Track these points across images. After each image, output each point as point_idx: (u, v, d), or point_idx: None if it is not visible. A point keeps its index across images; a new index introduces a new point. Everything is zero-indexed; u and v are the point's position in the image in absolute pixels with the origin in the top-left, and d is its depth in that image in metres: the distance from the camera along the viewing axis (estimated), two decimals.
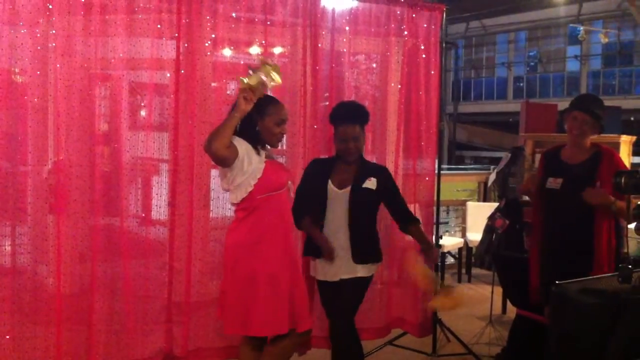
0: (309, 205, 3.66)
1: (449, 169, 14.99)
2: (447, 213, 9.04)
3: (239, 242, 3.26)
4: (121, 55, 3.78)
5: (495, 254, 4.53)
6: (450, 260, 7.70)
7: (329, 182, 3.64)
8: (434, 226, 4.77)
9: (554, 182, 3.78)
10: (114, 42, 3.75)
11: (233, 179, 3.20)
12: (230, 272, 3.28)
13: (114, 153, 3.91)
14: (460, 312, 5.70)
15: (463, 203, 7.93)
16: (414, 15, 4.50)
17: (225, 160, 3.14)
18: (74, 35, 3.63)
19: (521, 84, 17.53)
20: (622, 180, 2.57)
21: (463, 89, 18.47)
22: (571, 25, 14.59)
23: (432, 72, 4.59)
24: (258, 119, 3.25)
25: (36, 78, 3.59)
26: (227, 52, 4.11)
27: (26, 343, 3.61)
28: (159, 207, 4.00)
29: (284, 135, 3.48)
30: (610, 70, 16.44)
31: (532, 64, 17.56)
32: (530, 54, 17.42)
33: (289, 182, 3.38)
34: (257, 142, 3.27)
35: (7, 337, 3.57)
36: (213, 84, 3.94)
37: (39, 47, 3.57)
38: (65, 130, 3.64)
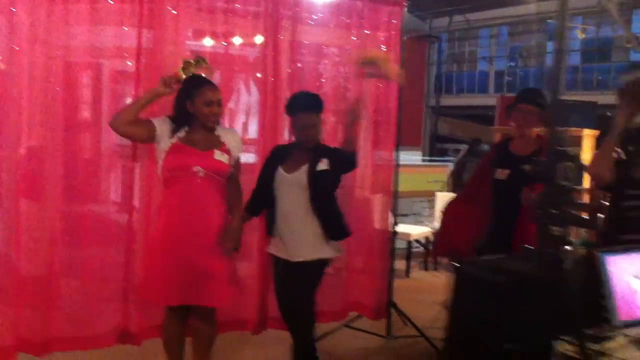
0: (259, 190, 3.84)
1: (430, 161, 15.19)
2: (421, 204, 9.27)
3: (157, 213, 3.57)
4: (97, 43, 3.91)
5: None
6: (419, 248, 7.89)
7: (279, 167, 3.78)
8: (392, 215, 4.95)
9: (501, 173, 3.91)
10: (91, 30, 3.87)
11: (157, 156, 3.52)
12: None
13: (83, 140, 4.05)
14: (420, 298, 5.91)
15: (434, 194, 8.13)
16: (374, 10, 4.64)
17: (130, 137, 3.59)
18: (48, 23, 3.74)
19: (502, 78, 17.66)
20: (528, 169, 2.72)
21: (445, 83, 18.58)
22: (550, 21, 14.71)
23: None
24: (188, 101, 3.47)
25: (7, 65, 3.68)
26: (189, 41, 4.22)
27: None
28: (120, 192, 4.12)
29: (218, 117, 3.58)
30: (588, 65, 16.56)
31: (513, 58, 17.68)
32: (512, 48, 17.53)
33: (196, 168, 3.46)
34: (185, 124, 3.49)
35: None
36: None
37: (9, 33, 3.65)
38: (37, 117, 3.76)
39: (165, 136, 3.50)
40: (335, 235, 3.81)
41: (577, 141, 6.87)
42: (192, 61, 3.59)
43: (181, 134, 3.51)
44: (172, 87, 3.48)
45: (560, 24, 1.96)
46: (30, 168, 3.83)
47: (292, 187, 3.73)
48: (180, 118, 3.53)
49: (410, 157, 16.02)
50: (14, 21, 3.66)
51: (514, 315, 2.15)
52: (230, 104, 4.40)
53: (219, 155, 3.53)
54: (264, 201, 3.82)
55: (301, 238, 3.73)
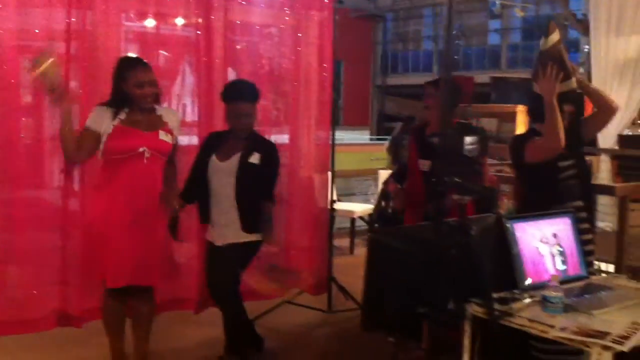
0: (193, 177, 3.88)
1: (378, 140, 15.35)
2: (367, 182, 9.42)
3: (93, 196, 3.56)
4: (26, 26, 3.87)
5: (381, 215, 4.80)
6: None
7: (213, 155, 3.83)
8: (332, 193, 5.07)
9: (423, 164, 3.90)
10: (29, 13, 3.85)
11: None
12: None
13: (21, 124, 4.02)
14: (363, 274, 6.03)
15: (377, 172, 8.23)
16: None
17: (92, 154, 3.51)
18: None
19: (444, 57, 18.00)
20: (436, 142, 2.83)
21: (391, 62, 18.79)
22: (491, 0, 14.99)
23: (326, 46, 4.81)
24: (123, 84, 3.47)
25: None
26: (121, 22, 4.22)
27: None
28: (58, 176, 4.11)
29: (151, 97, 3.55)
30: (529, 43, 16.95)
31: (456, 37, 18.00)
32: (456, 27, 17.84)
33: (142, 149, 3.47)
34: (123, 106, 3.49)
35: None
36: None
37: None
38: None
39: (104, 121, 3.47)
40: (248, 229, 3.81)
41: (512, 117, 7.08)
42: (38, 60, 3.39)
43: (122, 115, 3.49)
44: (54, 89, 3.37)
45: (449, 11, 2.07)
46: None
47: (224, 175, 3.77)
48: (118, 100, 3.50)
49: (359, 137, 16.22)
50: None
51: (425, 281, 2.28)
52: (166, 86, 4.41)
53: (163, 136, 3.54)
54: (198, 188, 3.87)
55: (229, 224, 3.79)
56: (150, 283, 3.63)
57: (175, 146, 3.69)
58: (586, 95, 3.50)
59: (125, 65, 3.53)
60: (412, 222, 3.72)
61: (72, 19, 3.92)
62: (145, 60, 3.64)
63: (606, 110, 3.56)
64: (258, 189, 3.81)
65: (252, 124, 3.87)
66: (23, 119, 4.04)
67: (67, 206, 4.01)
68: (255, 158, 3.77)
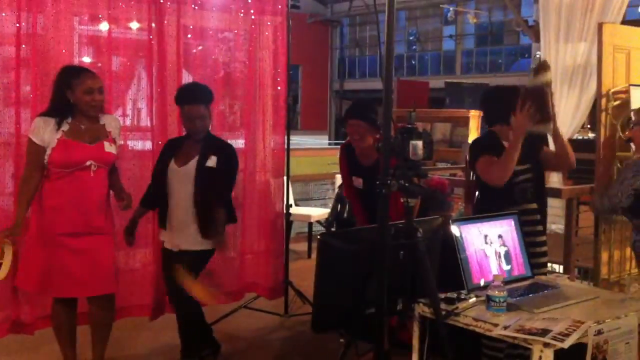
0: (153, 184, 3.92)
1: (336, 144, 15.45)
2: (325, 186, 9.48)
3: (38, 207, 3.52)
4: None
5: (337, 219, 4.87)
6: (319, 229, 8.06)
7: (172, 160, 3.84)
8: (288, 197, 5.10)
9: (356, 181, 4.04)
10: None
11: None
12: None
13: None
14: None
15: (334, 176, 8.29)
16: None
17: (41, 167, 3.47)
18: None
19: (402, 63, 18.18)
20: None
21: (348, 67, 18.94)
22: (443, 6, 15.25)
23: (281, 50, 4.84)
24: (68, 92, 3.44)
25: None
26: (73, 25, 4.18)
27: None
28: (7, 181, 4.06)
29: (100, 104, 3.55)
30: (482, 49, 17.27)
31: (411, 43, 18.26)
32: (410, 34, 18.10)
33: (89, 162, 3.46)
34: (66, 115, 3.46)
35: None
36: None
37: None
38: None
39: (45, 134, 3.43)
40: (206, 234, 3.82)
41: (465, 122, 7.23)
42: None
43: (65, 127, 3.46)
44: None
45: (389, 17, 2.14)
46: None
47: (181, 179, 3.79)
48: (61, 109, 3.47)
49: (318, 141, 16.30)
50: None
51: (373, 282, 2.33)
52: (120, 90, 4.39)
53: (108, 147, 3.54)
54: (157, 194, 3.88)
55: (184, 229, 3.81)
56: (99, 292, 3.59)
57: (119, 153, 3.71)
58: (554, 142, 3.54)
59: (72, 73, 3.49)
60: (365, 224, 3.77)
61: (22, 23, 3.87)
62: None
63: (562, 164, 3.63)
64: (214, 193, 3.81)
65: (207, 126, 3.89)
66: None
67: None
68: (212, 161, 3.78)
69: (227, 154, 3.90)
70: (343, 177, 4.26)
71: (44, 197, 3.50)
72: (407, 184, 2.30)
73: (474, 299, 2.68)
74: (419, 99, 9.33)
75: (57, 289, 3.53)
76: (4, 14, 3.87)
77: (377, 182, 2.20)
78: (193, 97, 3.83)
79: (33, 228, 3.56)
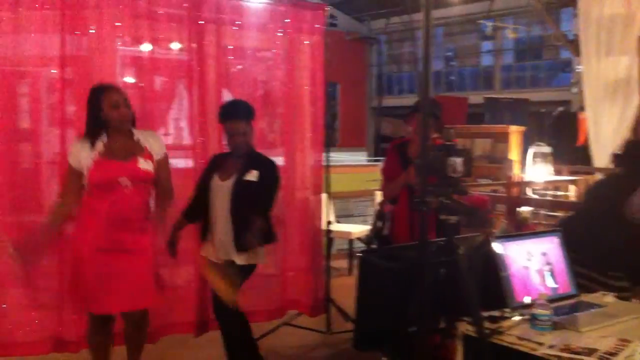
0: (196, 197, 3.95)
1: (375, 161, 15.41)
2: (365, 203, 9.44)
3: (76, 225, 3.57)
4: (30, 52, 3.93)
5: (378, 236, 4.82)
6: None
7: (215, 175, 3.89)
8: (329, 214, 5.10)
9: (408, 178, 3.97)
10: (25, 39, 3.89)
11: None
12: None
13: (24, 148, 4.07)
14: None
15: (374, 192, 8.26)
16: (297, 14, 4.75)
17: (80, 191, 3.55)
18: None
19: (440, 79, 18.11)
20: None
21: (387, 83, 18.94)
22: (481, 21, 15.17)
23: (318, 68, 4.87)
24: (97, 110, 3.49)
25: None
26: (116, 47, 4.27)
27: None
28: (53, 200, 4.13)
29: (128, 117, 3.57)
30: (521, 64, 17.12)
31: (449, 58, 18.18)
32: (448, 49, 18.03)
33: (122, 179, 3.48)
34: (100, 134, 3.51)
35: None
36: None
37: None
38: None
39: (82, 155, 3.49)
40: (241, 248, 3.82)
41: (505, 137, 7.16)
42: None
43: (100, 147, 3.50)
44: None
45: (425, 33, 2.13)
46: None
47: (223, 193, 3.83)
48: (94, 129, 3.52)
49: (357, 158, 16.30)
50: None
51: (415, 300, 2.31)
52: (162, 109, 4.46)
53: (142, 163, 3.54)
54: (200, 208, 3.91)
55: (225, 243, 3.83)
56: (134, 307, 3.61)
57: (163, 166, 3.65)
58: None
59: (98, 91, 3.54)
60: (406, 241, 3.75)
61: (67, 45, 3.97)
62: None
63: None
64: (254, 206, 3.81)
65: (249, 141, 3.92)
66: (21, 144, 4.08)
67: (64, 231, 4.00)
68: (252, 175, 3.81)
69: (269, 169, 3.92)
70: (388, 177, 4.23)
71: (82, 216, 3.55)
72: (447, 202, 2.28)
73: (518, 318, 2.63)
74: (457, 114, 9.28)
75: (93, 305, 3.56)
76: (48, 37, 3.98)
77: (416, 200, 2.19)
78: (234, 113, 3.89)
79: (75, 245, 3.60)
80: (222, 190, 3.85)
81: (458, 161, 2.28)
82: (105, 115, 3.49)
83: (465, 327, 2.59)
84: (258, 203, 3.81)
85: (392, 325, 2.47)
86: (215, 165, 3.98)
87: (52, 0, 3.93)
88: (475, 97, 14.17)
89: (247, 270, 3.91)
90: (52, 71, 4.06)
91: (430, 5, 2.23)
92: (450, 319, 2.52)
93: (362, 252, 2.54)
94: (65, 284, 3.82)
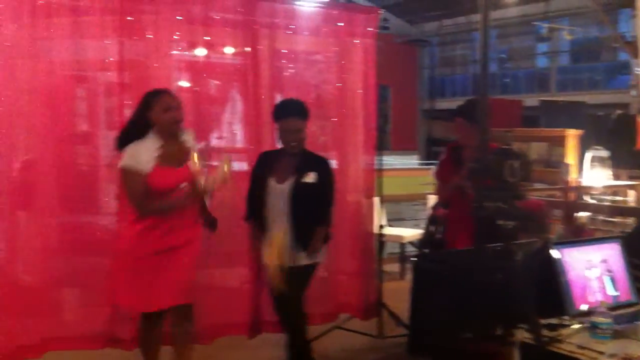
0: (253, 199, 3.98)
1: (426, 164, 15.26)
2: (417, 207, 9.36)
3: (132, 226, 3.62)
4: (89, 57, 4.05)
5: (430, 240, 4.78)
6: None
7: (270, 177, 3.91)
8: (377, 217, 5.07)
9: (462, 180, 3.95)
10: (83, 44, 4.01)
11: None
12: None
13: (76, 152, 4.17)
14: None
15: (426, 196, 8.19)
16: (350, 18, 4.75)
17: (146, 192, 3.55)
18: (34, 38, 3.84)
19: (494, 81, 17.86)
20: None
21: (439, 86, 18.78)
22: (536, 23, 14.90)
23: (370, 72, 4.85)
24: (148, 113, 3.56)
25: (3, 79, 3.80)
26: (172, 52, 4.34)
27: None
28: (111, 203, 4.21)
29: (179, 121, 3.63)
30: (578, 66, 16.76)
31: (503, 60, 17.92)
32: (502, 51, 17.76)
33: (183, 185, 3.56)
34: (143, 134, 3.57)
35: None
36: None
37: (2, 50, 3.77)
38: (30, 130, 3.86)
39: (144, 159, 3.54)
40: (304, 250, 3.90)
41: (561, 141, 7.02)
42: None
43: (156, 153, 3.56)
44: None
45: (483, 36, 2.09)
46: (26, 181, 3.93)
47: (281, 196, 3.87)
48: (138, 130, 3.58)
49: (408, 161, 16.19)
50: (1, 37, 3.77)
51: (471, 306, 2.27)
52: (216, 113, 4.51)
53: (193, 166, 3.62)
54: (257, 210, 3.95)
55: (287, 245, 3.84)
56: (182, 301, 3.65)
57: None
58: None
59: (152, 94, 3.62)
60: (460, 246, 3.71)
61: (125, 50, 4.05)
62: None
63: None
64: (315, 209, 3.89)
65: (303, 140, 3.95)
66: (78, 146, 4.18)
67: (120, 231, 4.06)
68: (310, 177, 3.86)
69: (325, 169, 3.97)
70: (442, 180, 4.19)
71: (139, 218, 3.59)
72: (504, 206, 2.24)
73: (577, 326, 2.57)
74: (512, 117, 9.15)
75: (145, 304, 3.62)
76: (107, 42, 4.07)
77: (474, 205, 2.16)
78: (290, 110, 3.94)
79: (127, 246, 3.66)
80: (279, 193, 3.88)
81: (515, 165, 2.23)
82: (157, 117, 3.55)
83: (522, 335, 2.53)
84: (319, 205, 3.88)
85: (447, 331, 2.44)
86: (266, 164, 3.98)
87: (111, 6, 4.01)
88: (530, 100, 13.93)
89: (310, 269, 3.98)
90: (110, 75, 4.14)
91: (489, 7, 2.19)
92: (507, 326, 2.47)
93: (415, 256, 2.52)
94: (119, 283, 3.86)
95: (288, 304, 3.90)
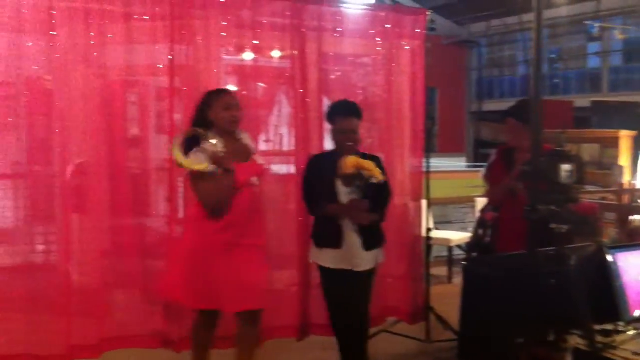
0: (319, 198, 3.94)
1: (474, 166, 15.11)
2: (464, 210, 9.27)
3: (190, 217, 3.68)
4: (140, 62, 4.14)
5: (479, 244, 4.72)
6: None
7: (336, 180, 3.87)
8: (424, 220, 5.04)
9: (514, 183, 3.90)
10: (135, 50, 4.09)
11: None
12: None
13: (129, 155, 4.25)
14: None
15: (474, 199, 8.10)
16: (398, 20, 4.73)
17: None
18: (87, 43, 3.94)
19: (544, 82, 17.57)
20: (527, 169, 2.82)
21: (487, 87, 18.56)
22: (587, 22, 14.61)
23: (418, 74, 4.82)
24: (208, 112, 3.60)
25: (53, 85, 3.91)
26: (221, 56, 4.39)
27: (48, 335, 3.93)
28: (164, 205, 4.28)
29: (239, 120, 3.67)
30: (631, 66, 16.37)
31: (554, 61, 17.61)
32: (552, 51, 17.45)
33: (254, 179, 3.61)
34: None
35: (34, 327, 3.89)
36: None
37: (51, 55, 3.88)
38: (86, 134, 3.96)
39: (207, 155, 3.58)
40: (370, 246, 3.94)
41: (614, 142, 6.87)
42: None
43: (222, 148, 3.56)
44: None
45: (537, 35, 2.06)
46: (80, 184, 4.04)
47: (346, 199, 3.88)
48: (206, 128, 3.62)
49: (455, 164, 16.05)
50: (56, 43, 3.87)
51: (523, 312, 2.24)
52: (263, 116, 4.55)
53: (259, 160, 3.72)
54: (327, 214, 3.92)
55: (354, 249, 3.89)
56: (247, 307, 3.63)
57: None
58: None
59: (212, 93, 3.69)
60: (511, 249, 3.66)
61: (175, 55, 4.11)
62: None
63: None
64: (376, 207, 3.92)
65: (359, 141, 3.97)
66: (130, 150, 4.26)
67: (172, 233, 4.14)
68: (374, 178, 3.83)
69: (382, 168, 3.96)
70: (492, 183, 4.14)
71: (202, 212, 3.58)
72: (557, 210, 2.20)
73: (632, 332, 2.51)
74: (562, 118, 8.98)
75: (202, 300, 3.61)
76: (158, 47, 4.14)
77: (527, 209, 2.13)
78: (347, 110, 3.94)
79: (186, 241, 3.69)
80: (347, 195, 3.88)
81: (569, 168, 2.19)
82: (216, 115, 3.59)
83: (575, 341, 2.48)
84: (380, 203, 3.93)
85: (498, 337, 2.40)
86: (325, 166, 3.93)
87: (162, 12, 4.08)
88: (581, 101, 13.66)
89: (373, 273, 4.03)
90: (161, 80, 4.21)
91: (542, 7, 2.15)
92: (560, 331, 2.42)
93: (466, 260, 2.49)
94: (177, 278, 3.89)
95: (355, 309, 3.91)
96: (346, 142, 3.90)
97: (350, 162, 3.75)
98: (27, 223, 3.93)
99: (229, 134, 3.64)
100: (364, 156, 3.96)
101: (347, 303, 3.93)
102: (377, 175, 3.78)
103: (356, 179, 3.79)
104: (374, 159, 4.02)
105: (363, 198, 3.86)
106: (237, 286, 3.55)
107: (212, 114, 3.60)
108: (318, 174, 3.97)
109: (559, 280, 2.35)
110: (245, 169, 3.59)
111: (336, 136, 3.97)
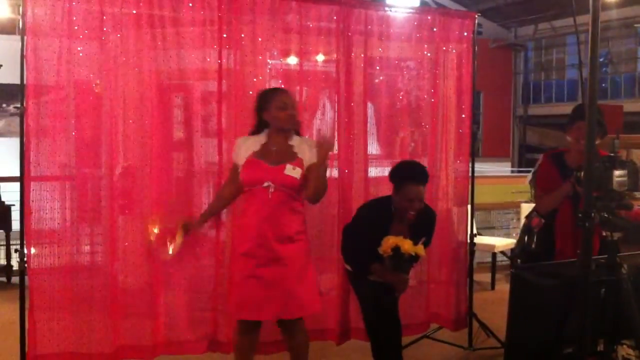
0: (367, 250, 3.91)
1: (519, 171, 14.94)
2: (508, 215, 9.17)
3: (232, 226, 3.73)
4: (188, 66, 4.18)
5: (524, 251, 4.66)
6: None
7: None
8: (472, 226, 4.99)
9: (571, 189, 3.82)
10: (185, 54, 4.14)
11: None
12: None
13: (178, 158, 4.30)
14: (505, 310, 5.84)
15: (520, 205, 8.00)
16: (445, 23, 4.70)
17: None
18: (137, 48, 4.00)
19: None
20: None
21: (533, 92, 18.29)
22: (637, 25, 14.30)
23: (465, 77, 4.78)
24: (264, 112, 3.64)
25: (102, 89, 3.98)
26: (266, 60, 4.41)
27: (97, 334, 4.00)
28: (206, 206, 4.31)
29: (294, 119, 3.69)
30: None
31: (603, 65, 17.28)
32: (599, 56, 17.16)
33: (267, 183, 3.52)
34: (259, 133, 3.69)
35: (82, 326, 3.97)
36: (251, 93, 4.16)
37: (101, 59, 3.94)
38: (133, 137, 4.03)
39: (242, 153, 3.65)
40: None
41: None
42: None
43: (256, 147, 3.63)
44: None
45: (594, 39, 2.01)
46: (127, 186, 4.10)
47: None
48: (257, 129, 3.70)
49: (500, 168, 15.89)
50: (106, 48, 3.95)
51: (572, 320, 2.20)
52: (306, 121, 4.54)
53: (290, 171, 3.55)
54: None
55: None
56: (283, 317, 3.63)
57: (311, 171, 3.64)
58: None
59: (267, 92, 3.72)
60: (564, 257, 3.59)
61: (223, 59, 4.16)
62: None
63: None
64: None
65: (422, 207, 3.92)
66: (176, 153, 4.31)
67: (219, 236, 4.16)
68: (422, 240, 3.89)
69: (430, 225, 4.06)
70: (546, 189, 4.08)
71: (236, 217, 3.72)
72: (610, 217, 2.16)
73: None
74: (611, 123, 8.79)
75: (242, 311, 3.62)
76: (206, 51, 4.18)
77: (579, 216, 2.08)
78: (414, 176, 3.90)
79: (232, 247, 3.76)
80: None
81: (623, 174, 2.14)
82: (271, 115, 3.62)
83: (626, 351, 2.43)
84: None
85: (547, 346, 2.37)
86: (380, 224, 3.91)
87: (210, 16, 4.12)
88: (631, 105, 13.38)
89: None
90: (208, 84, 4.25)
91: (598, 9, 2.10)
92: (610, 341, 2.38)
93: (514, 267, 2.45)
94: (222, 285, 3.97)
95: (387, 314, 3.94)
96: (410, 210, 3.86)
97: (389, 244, 3.78)
98: (74, 224, 4.00)
99: (281, 134, 3.65)
100: (424, 217, 3.96)
101: (378, 307, 3.95)
102: (417, 252, 3.81)
103: (394, 258, 3.80)
104: (430, 223, 4.04)
105: (407, 267, 3.88)
106: (270, 297, 3.54)
107: (266, 113, 3.63)
108: (371, 230, 3.91)
109: (610, 289, 2.31)
110: (264, 170, 3.56)
111: (401, 201, 3.90)
